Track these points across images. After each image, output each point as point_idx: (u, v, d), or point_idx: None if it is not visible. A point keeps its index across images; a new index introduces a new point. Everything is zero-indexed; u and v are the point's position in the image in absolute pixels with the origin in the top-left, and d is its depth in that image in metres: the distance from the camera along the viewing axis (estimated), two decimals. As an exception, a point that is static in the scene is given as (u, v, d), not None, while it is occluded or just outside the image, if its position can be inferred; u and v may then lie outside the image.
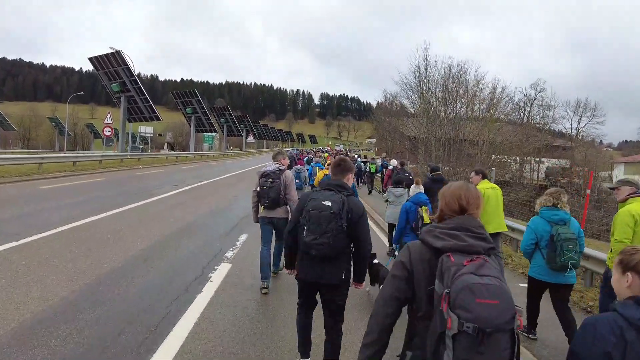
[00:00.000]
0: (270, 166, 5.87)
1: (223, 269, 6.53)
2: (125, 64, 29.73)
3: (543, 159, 38.75)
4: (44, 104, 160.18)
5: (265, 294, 5.56)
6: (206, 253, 7.35)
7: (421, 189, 6.52)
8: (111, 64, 30.13)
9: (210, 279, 5.98)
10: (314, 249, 3.13)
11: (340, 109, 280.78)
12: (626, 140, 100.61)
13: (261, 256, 5.72)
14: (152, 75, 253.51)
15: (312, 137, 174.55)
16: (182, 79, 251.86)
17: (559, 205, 4.47)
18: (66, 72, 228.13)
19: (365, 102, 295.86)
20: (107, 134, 37.09)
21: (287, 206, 5.70)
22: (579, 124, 54.26)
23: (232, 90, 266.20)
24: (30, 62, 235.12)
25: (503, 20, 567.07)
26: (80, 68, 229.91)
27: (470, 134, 32.98)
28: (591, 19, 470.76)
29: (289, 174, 5.86)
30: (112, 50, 29.73)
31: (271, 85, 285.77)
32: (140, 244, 7.58)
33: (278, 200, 5.58)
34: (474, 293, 1.56)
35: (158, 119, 32.73)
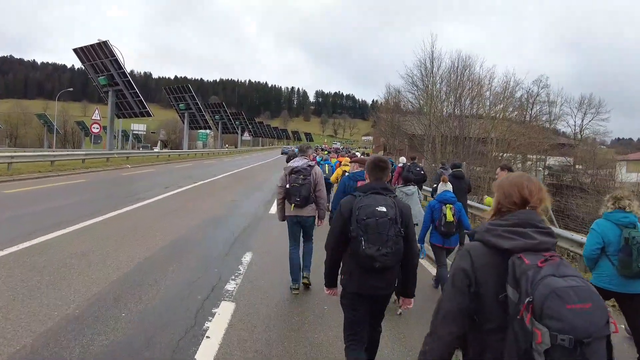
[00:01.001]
0: (298, 161, 5.57)
1: (224, 312, 4.67)
2: (112, 55, 27.64)
3: (543, 157, 37.16)
4: (35, 102, 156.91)
5: (296, 294, 5.38)
6: (200, 286, 5.44)
7: (449, 186, 6.13)
8: (97, 56, 28.02)
9: (207, 334, 4.10)
10: (378, 261, 2.81)
11: (335, 107, 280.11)
12: (618, 138, 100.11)
13: (290, 257, 5.53)
14: (145, 73, 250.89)
15: (307, 134, 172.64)
16: (175, 77, 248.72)
17: (627, 208, 4.07)
18: (58, 69, 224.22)
19: (360, 100, 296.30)
20: (95, 131, 35.00)
21: (315, 204, 5.55)
22: (582, 120, 52.76)
23: (227, 87, 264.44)
24: (20, 58, 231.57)
25: (498, 19, 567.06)
26: (73, 65, 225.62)
27: (480, 130, 31.27)
28: (581, 19, 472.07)
29: (319, 170, 5.64)
30: (98, 41, 27.62)
31: (266, 82, 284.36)
32: (109, 274, 5.63)
33: (309, 199, 5.39)
34: (562, 298, 1.38)
35: (149, 115, 30.69)
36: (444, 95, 32.37)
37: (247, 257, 6.93)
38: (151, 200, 12.14)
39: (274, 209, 12.62)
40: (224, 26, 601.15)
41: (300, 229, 5.60)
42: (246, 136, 79.67)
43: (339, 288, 3.18)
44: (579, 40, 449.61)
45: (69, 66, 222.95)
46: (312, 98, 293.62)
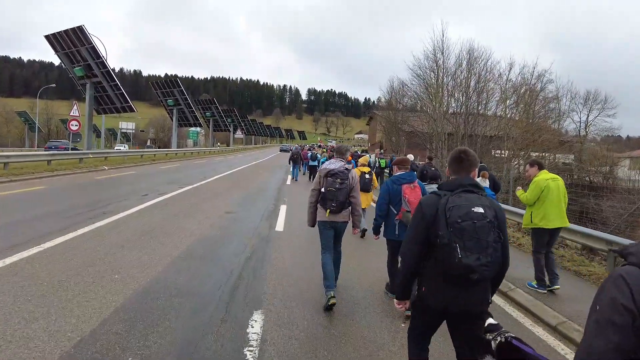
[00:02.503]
0: (334, 163, 5.14)
1: None
2: (89, 42, 24.51)
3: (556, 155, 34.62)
4: (20, 100, 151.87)
5: (333, 304, 4.61)
6: None
7: (487, 183, 5.91)
8: (73, 43, 24.87)
9: None
10: (476, 272, 2.34)
11: (328, 105, 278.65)
12: (608, 135, 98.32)
13: (323, 263, 4.99)
14: (135, 71, 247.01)
15: (301, 132, 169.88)
16: (166, 74, 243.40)
17: None
18: (45, 67, 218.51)
19: (353, 98, 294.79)
20: (74, 128, 31.61)
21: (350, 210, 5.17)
22: (587, 117, 50.45)
23: (218, 85, 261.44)
24: (6, 56, 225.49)
25: (486, 16, 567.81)
26: (60, 63, 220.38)
27: (495, 126, 28.63)
28: (567, 20, 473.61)
29: (355, 173, 5.27)
30: (73, 26, 24.44)
31: (258, 80, 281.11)
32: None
33: (345, 204, 5.00)
34: None
35: (131, 110, 27.60)
36: (455, 88, 29.59)
37: (257, 321, 4.24)
38: (119, 215, 9.22)
39: (281, 223, 9.85)
40: (213, 24, 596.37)
41: (333, 234, 5.17)
42: (239, 134, 76.51)
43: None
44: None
45: (56, 64, 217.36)
46: (304, 96, 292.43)
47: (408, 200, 4.96)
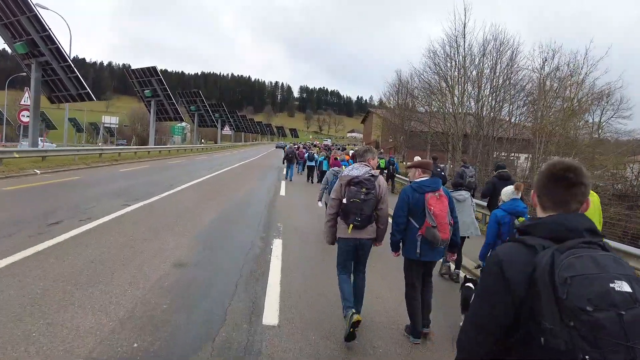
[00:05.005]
0: (357, 169, 4.32)
1: None
2: (30, 10, 19.31)
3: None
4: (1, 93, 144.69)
5: (358, 321, 3.88)
6: None
7: (519, 195, 4.99)
8: (11, 12, 19.63)
9: None
10: None
11: (320, 103, 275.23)
12: (629, 139, 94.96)
13: (341, 281, 4.31)
14: (124, 64, 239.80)
15: (293, 130, 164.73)
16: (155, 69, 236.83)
17: None
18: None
19: (345, 96, 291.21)
20: (24, 119, 26.54)
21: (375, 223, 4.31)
22: (600, 118, 46.14)
23: (208, 81, 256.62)
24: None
25: (475, 14, 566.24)
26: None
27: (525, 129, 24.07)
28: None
29: (383, 181, 4.37)
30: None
31: (249, 76, 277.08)
32: None
33: (371, 217, 4.22)
34: None
35: (90, 98, 22.41)
36: (481, 79, 24.89)
37: None
38: (19, 256, 4.36)
39: (273, 297, 5.07)
40: (204, 20, 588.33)
41: (354, 254, 4.32)
42: (227, 130, 71.11)
43: None
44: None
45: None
46: (296, 93, 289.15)
47: (433, 213, 4.05)
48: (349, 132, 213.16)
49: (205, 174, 19.82)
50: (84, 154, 21.53)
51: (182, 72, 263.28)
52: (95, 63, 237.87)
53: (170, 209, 10.27)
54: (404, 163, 31.33)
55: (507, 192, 5.11)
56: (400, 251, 4.42)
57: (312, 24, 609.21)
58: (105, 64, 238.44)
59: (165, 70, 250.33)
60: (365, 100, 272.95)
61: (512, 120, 23.46)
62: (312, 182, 20.25)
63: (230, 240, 7.78)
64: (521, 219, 4.78)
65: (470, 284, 4.59)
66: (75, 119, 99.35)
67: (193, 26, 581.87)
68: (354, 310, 3.95)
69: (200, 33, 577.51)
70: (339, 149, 34.14)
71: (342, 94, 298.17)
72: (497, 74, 24.46)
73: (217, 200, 12.22)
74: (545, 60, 20.95)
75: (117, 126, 73.65)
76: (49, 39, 20.21)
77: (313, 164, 20.72)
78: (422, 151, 32.18)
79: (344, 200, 4.20)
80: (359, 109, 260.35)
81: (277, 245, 7.68)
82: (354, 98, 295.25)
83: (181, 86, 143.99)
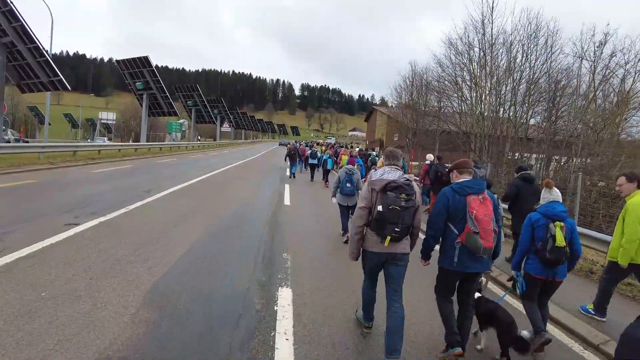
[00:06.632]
0: (390, 173, 3.85)
1: None
2: (-13, -20, 16.34)
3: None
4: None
5: (368, 332, 4.00)
6: None
7: (556, 194, 4.36)
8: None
9: None
10: None
11: (321, 101, 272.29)
12: None
13: (365, 293, 4.14)
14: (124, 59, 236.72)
15: (294, 128, 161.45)
16: (157, 66, 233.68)
17: None
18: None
19: (347, 95, 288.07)
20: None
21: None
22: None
23: (209, 78, 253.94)
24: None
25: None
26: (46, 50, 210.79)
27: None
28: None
29: (416, 187, 3.86)
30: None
31: (250, 74, 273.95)
32: None
33: (410, 227, 3.74)
34: None
35: (64, 87, 19.34)
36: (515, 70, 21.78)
37: None
38: None
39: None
40: (205, 17, 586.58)
41: (381, 270, 3.91)
42: (226, 127, 68.03)
43: None
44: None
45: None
46: (297, 91, 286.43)
47: (476, 218, 3.61)
48: (350, 130, 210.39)
49: (196, 176, 16.75)
50: (50, 151, 18.35)
51: (182, 68, 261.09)
52: (95, 59, 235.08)
53: (130, 233, 7.18)
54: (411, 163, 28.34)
55: (544, 194, 4.49)
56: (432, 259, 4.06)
57: (312, 22, 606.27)
58: (105, 60, 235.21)
59: (166, 67, 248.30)
60: (367, 98, 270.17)
61: (553, 116, 20.27)
62: (313, 180, 19.67)
63: (208, 298, 4.70)
64: (560, 223, 4.16)
65: (478, 294, 4.27)
66: (70, 114, 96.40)
67: (194, 23, 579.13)
68: (369, 325, 4.00)
69: (202, 30, 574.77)
70: (342, 147, 31.36)
71: (343, 92, 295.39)
72: (533, 65, 21.36)
73: (200, 216, 9.15)
74: (600, 44, 17.76)
75: (114, 122, 70.82)
76: (11, 15, 17.13)
77: (316, 161, 20.12)
78: (430, 150, 29.20)
79: (380, 208, 3.65)
80: (361, 107, 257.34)
81: (284, 300, 4.75)
82: (356, 97, 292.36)
83: (182, 83, 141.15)
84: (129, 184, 13.36)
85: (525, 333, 4.16)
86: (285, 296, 4.92)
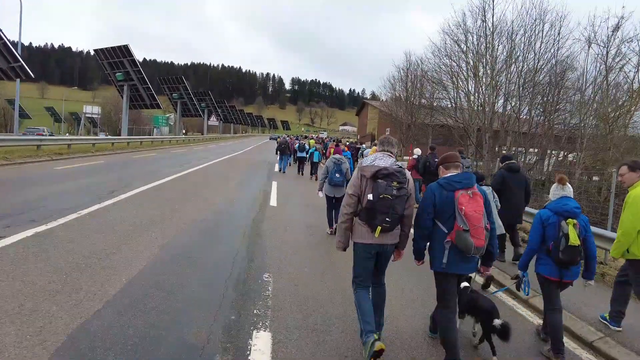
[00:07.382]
0: (382, 159, 3.60)
1: None
2: None
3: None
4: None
5: (381, 350, 3.19)
6: None
7: (568, 190, 4.07)
8: None
9: None
10: None
11: (312, 95, 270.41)
12: None
13: (359, 298, 3.64)
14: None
15: (284, 122, 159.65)
16: (144, 59, 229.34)
17: None
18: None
19: (337, 89, 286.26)
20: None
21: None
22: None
23: (198, 71, 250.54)
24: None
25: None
26: (30, 43, 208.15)
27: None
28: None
29: (409, 174, 3.67)
30: None
31: (239, 67, 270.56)
32: None
33: (401, 218, 3.54)
34: None
35: (27, 75, 17.46)
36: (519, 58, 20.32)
37: None
38: None
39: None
40: (193, 10, 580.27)
41: (374, 262, 3.68)
42: (213, 121, 65.99)
43: None
44: None
45: (26, 44, 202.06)
46: (288, 85, 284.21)
47: (465, 214, 3.35)
48: (341, 125, 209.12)
49: (172, 173, 15.08)
50: (9, 145, 16.39)
51: (171, 62, 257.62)
52: (82, 52, 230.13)
53: (63, 252, 5.53)
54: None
55: (554, 190, 4.16)
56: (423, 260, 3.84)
57: (302, 16, 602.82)
58: (92, 54, 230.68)
59: (155, 60, 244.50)
60: (358, 93, 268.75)
61: (558, 106, 18.88)
62: (302, 174, 19.45)
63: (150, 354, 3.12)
64: (572, 220, 3.84)
65: (466, 283, 4.10)
66: (53, 108, 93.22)
67: (182, 16, 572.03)
68: (376, 337, 3.33)
69: (190, 23, 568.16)
70: (333, 141, 30.02)
71: (334, 87, 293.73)
72: (537, 52, 19.91)
73: (165, 223, 7.53)
74: (615, 28, 16.30)
75: (99, 116, 68.57)
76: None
77: (304, 154, 20.29)
78: (422, 145, 27.85)
79: (369, 197, 3.44)
80: (351, 102, 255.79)
81: (259, 354, 3.30)
82: (346, 91, 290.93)
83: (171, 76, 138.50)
84: (92, 182, 11.67)
85: (497, 322, 3.71)
86: (261, 345, 3.41)
